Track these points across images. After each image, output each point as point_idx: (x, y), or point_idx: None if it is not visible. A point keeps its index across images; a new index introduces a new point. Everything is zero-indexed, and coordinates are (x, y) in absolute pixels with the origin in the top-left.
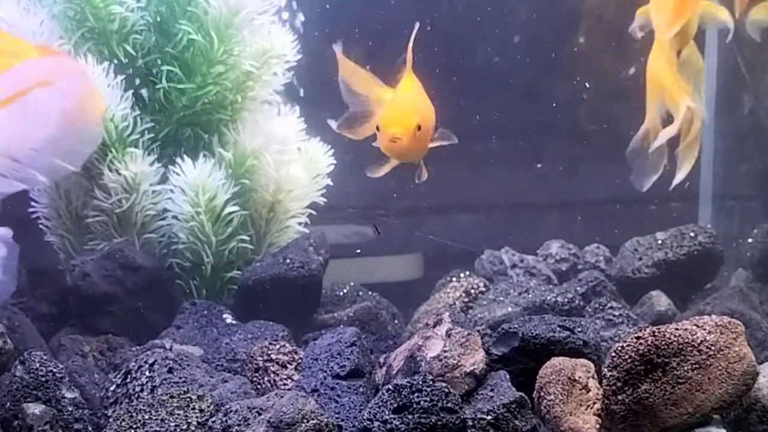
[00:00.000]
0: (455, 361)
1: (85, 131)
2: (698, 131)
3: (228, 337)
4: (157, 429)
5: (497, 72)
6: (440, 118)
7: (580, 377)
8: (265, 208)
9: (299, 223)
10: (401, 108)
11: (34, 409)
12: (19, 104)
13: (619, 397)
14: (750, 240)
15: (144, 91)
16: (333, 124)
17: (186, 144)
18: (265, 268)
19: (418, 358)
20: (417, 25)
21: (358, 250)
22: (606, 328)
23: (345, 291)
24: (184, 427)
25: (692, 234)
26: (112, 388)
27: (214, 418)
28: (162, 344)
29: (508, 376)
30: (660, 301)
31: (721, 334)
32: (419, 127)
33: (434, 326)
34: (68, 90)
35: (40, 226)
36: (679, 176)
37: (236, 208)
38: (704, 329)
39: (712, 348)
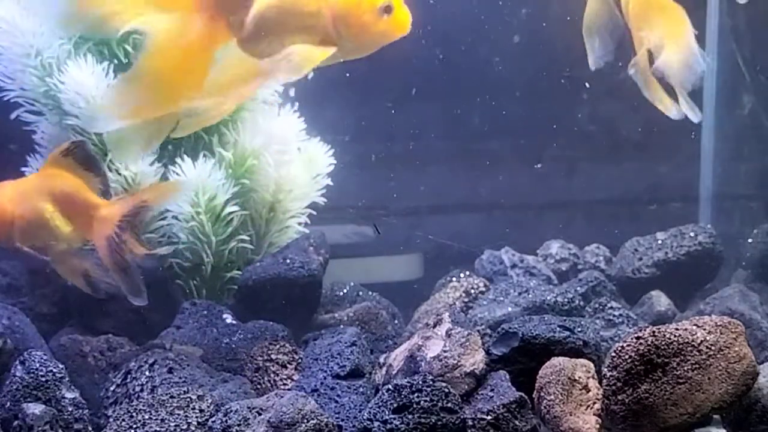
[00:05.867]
0: (455, 361)
1: None
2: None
3: (228, 337)
4: (157, 429)
5: (497, 72)
6: (440, 118)
7: (580, 377)
8: (265, 208)
9: (299, 223)
10: None
11: (34, 409)
12: None
13: (619, 397)
14: (750, 240)
15: None
16: None
17: (186, 144)
18: (265, 268)
19: (418, 358)
20: None
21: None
22: (606, 328)
23: (345, 291)
24: (184, 427)
25: (692, 234)
26: (112, 388)
27: (214, 418)
28: (162, 344)
29: (508, 376)
30: (660, 301)
31: (721, 334)
32: None
33: (434, 326)
34: None
35: None
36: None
37: (236, 208)
38: (704, 329)
39: (712, 348)
